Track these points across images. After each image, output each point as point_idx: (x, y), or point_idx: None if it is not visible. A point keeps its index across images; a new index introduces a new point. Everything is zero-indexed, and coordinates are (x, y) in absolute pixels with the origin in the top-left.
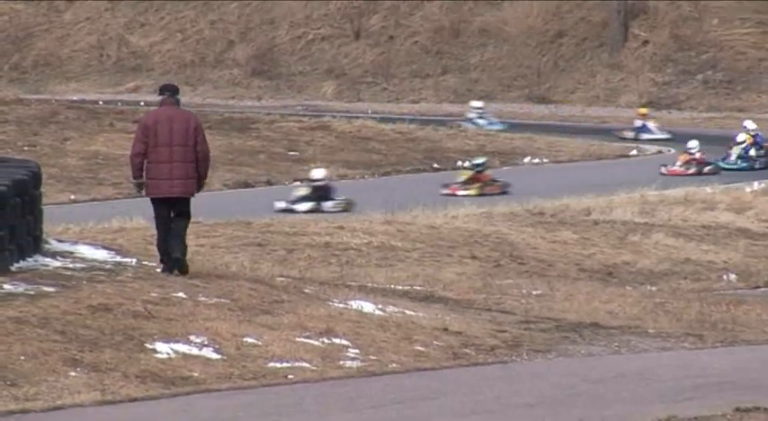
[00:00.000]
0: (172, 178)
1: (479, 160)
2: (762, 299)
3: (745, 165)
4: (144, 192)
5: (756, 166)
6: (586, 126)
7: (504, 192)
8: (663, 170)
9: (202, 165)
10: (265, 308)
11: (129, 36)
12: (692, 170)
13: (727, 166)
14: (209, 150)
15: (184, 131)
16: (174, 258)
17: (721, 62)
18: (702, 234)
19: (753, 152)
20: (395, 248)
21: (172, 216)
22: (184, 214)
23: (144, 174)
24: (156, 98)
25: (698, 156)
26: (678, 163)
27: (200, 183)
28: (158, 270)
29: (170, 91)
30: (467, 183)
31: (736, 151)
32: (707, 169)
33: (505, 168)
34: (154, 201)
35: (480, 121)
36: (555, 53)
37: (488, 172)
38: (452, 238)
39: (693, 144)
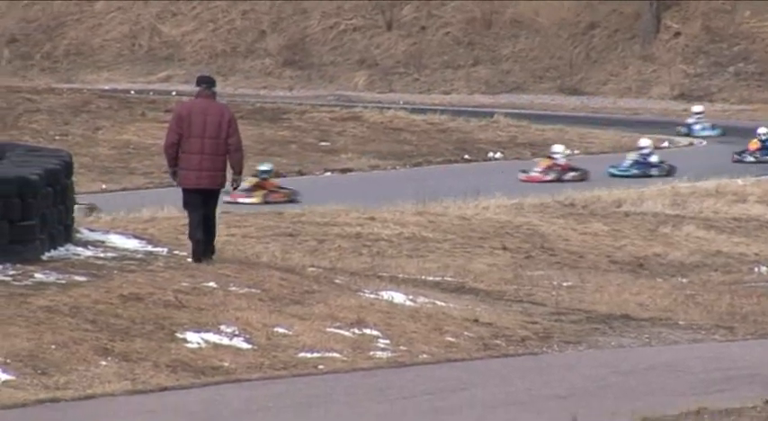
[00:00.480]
0: (201, 169)
1: (265, 167)
2: None
3: (637, 171)
4: (177, 182)
5: (653, 173)
6: (618, 118)
7: (291, 201)
8: (521, 176)
9: (235, 157)
10: (296, 298)
11: (160, 26)
12: (551, 177)
13: (617, 172)
14: (242, 143)
15: (217, 124)
16: (198, 240)
17: (753, 54)
18: (734, 226)
19: (654, 158)
20: (426, 239)
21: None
22: (211, 206)
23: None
24: (189, 88)
25: (562, 161)
26: (538, 169)
27: (236, 178)
28: (189, 260)
29: (207, 83)
30: (251, 190)
31: (631, 157)
32: (570, 176)
33: (536, 159)
34: (185, 190)
35: (697, 127)
36: (587, 45)
37: (275, 180)
38: (483, 229)
39: (558, 148)
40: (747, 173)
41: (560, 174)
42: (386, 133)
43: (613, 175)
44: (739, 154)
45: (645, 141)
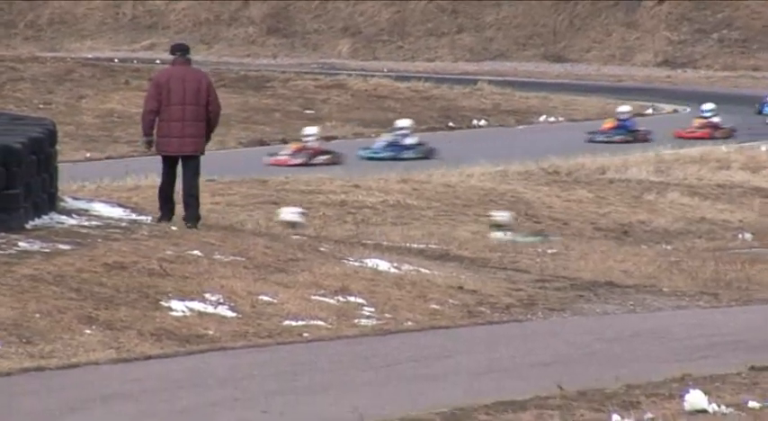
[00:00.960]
0: (183, 136)
1: (310, 130)
2: None
3: (390, 153)
4: (154, 149)
5: (405, 156)
6: (602, 85)
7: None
8: (269, 160)
9: (213, 123)
10: (280, 266)
11: None
12: (300, 160)
13: (368, 155)
14: (221, 108)
15: (196, 90)
16: (189, 216)
17: (737, 21)
18: (717, 193)
19: (409, 140)
20: (410, 207)
21: (182, 174)
22: (194, 172)
23: (154, 132)
24: (173, 57)
25: (315, 145)
26: (287, 152)
27: (207, 136)
28: (173, 227)
29: (181, 51)
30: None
31: (386, 138)
32: (321, 159)
33: (521, 127)
34: (165, 158)
35: None
36: (570, 12)
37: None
38: (468, 197)
39: (310, 131)
40: (606, 151)
41: (310, 157)
42: (370, 101)
43: (364, 158)
44: (592, 133)
45: (624, 107)
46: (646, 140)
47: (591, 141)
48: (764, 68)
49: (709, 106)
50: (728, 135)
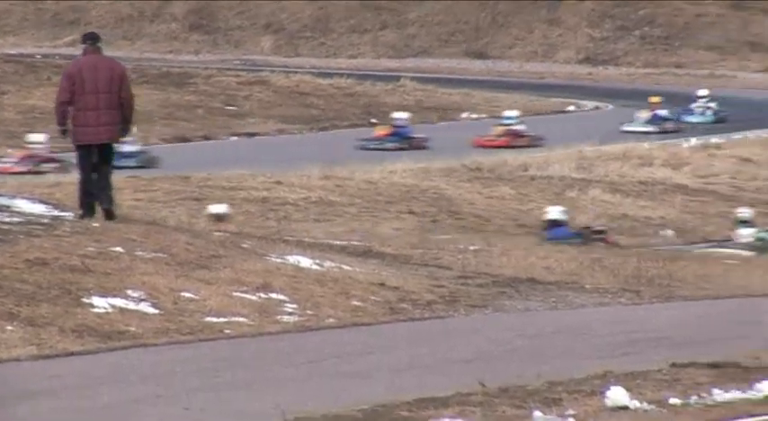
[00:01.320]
0: (99, 125)
1: (510, 114)
2: (698, 254)
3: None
4: (70, 139)
5: (122, 164)
6: (524, 81)
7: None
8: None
9: (127, 111)
10: (202, 262)
11: None
12: (26, 167)
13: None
14: (133, 96)
15: (109, 79)
16: (104, 210)
17: (659, 18)
18: (639, 190)
19: (129, 148)
20: (333, 203)
21: (95, 162)
22: (109, 160)
23: (69, 122)
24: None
25: (41, 152)
26: (12, 159)
27: (125, 127)
28: (95, 224)
29: (92, 40)
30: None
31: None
32: (48, 167)
33: (443, 123)
34: (80, 147)
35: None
36: (493, 9)
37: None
38: (390, 193)
39: (36, 138)
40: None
41: (36, 164)
42: (292, 97)
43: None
44: (364, 140)
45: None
46: (421, 148)
47: (363, 149)
48: (687, 65)
49: (511, 113)
50: (531, 143)
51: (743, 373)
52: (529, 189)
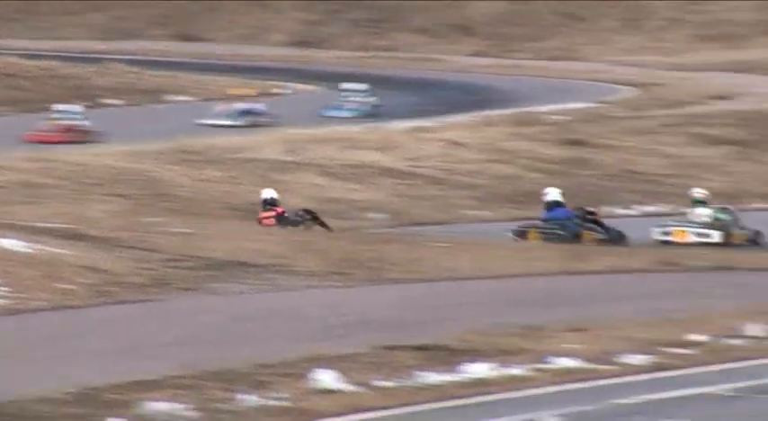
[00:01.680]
0: None
1: None
2: (408, 237)
3: None
4: None
5: None
6: (234, 64)
7: None
8: None
9: None
10: None
11: None
12: None
13: None
14: None
15: None
16: None
17: (371, 1)
18: (348, 173)
19: None
20: (40, 185)
21: None
22: None
23: None
24: None
25: None
26: None
27: None
28: None
29: None
30: None
31: None
32: None
33: (151, 105)
34: None
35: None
36: None
37: None
38: (99, 175)
39: None
40: None
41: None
42: None
43: None
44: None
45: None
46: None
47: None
48: (398, 48)
49: (73, 108)
50: (89, 139)
51: (450, 356)
52: (238, 171)
